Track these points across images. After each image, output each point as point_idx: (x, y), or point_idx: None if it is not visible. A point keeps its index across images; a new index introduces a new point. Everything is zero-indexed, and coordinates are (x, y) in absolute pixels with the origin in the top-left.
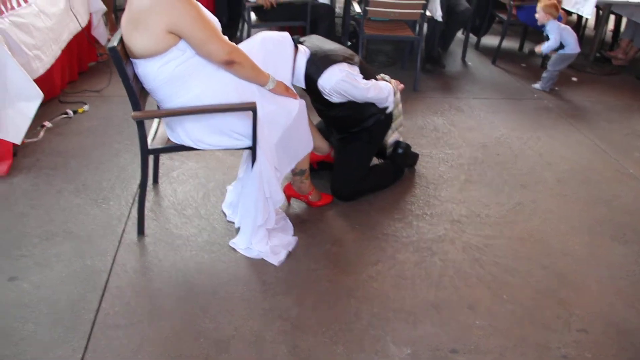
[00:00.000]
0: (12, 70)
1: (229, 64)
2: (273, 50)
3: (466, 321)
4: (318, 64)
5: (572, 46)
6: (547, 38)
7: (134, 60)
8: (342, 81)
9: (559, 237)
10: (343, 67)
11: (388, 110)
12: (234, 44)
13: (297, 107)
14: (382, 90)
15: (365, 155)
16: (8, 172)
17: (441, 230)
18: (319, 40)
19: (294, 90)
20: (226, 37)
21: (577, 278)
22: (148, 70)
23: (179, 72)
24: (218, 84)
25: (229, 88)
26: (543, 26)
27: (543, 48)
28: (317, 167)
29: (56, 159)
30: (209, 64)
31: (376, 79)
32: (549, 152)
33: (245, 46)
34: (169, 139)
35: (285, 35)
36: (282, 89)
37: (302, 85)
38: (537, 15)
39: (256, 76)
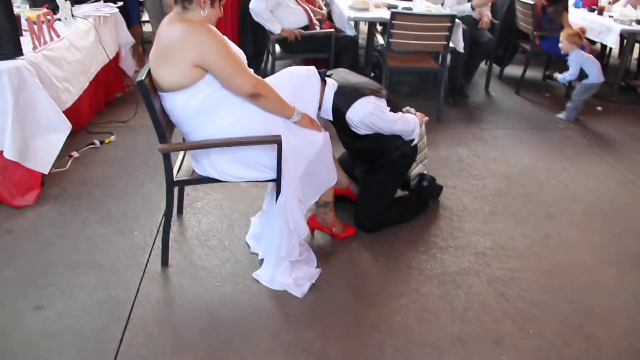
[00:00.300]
0: (43, 102)
1: (255, 97)
2: (300, 84)
3: (492, 356)
4: (346, 96)
5: (596, 75)
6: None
7: (161, 94)
8: (370, 114)
9: (586, 269)
10: (371, 99)
11: (413, 143)
12: (259, 77)
13: (321, 139)
14: (409, 123)
15: (390, 187)
16: (36, 201)
17: (465, 262)
18: (346, 73)
19: (319, 123)
20: (252, 70)
21: (606, 312)
22: (175, 104)
23: (206, 105)
24: (244, 116)
25: (255, 120)
26: (567, 55)
27: (560, 77)
28: (334, 201)
29: (82, 188)
30: (235, 97)
31: (402, 112)
32: (574, 182)
33: (273, 80)
34: (194, 170)
35: (312, 69)
36: (307, 122)
37: (330, 117)
38: (560, 45)
39: (281, 109)
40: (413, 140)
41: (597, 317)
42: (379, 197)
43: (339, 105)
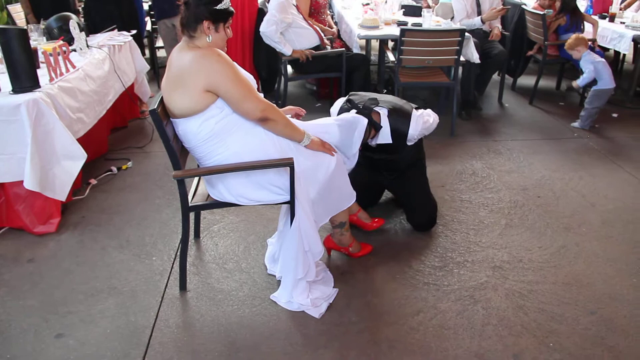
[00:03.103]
0: (59, 133)
1: (264, 121)
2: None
3: None
4: (400, 118)
5: (606, 81)
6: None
7: (174, 120)
8: (424, 124)
9: (605, 280)
10: (416, 113)
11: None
12: (268, 101)
13: (334, 162)
14: (431, 115)
15: (427, 180)
16: (56, 229)
17: (483, 277)
18: (381, 97)
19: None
20: (261, 95)
21: (627, 324)
22: (188, 129)
23: (218, 129)
24: (256, 139)
25: (267, 144)
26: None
27: (579, 82)
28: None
29: (101, 215)
30: (246, 121)
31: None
32: (592, 192)
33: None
34: (209, 194)
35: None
36: (318, 145)
37: (389, 140)
38: (573, 56)
39: (291, 133)
40: None
41: (618, 329)
42: (428, 194)
43: (397, 126)
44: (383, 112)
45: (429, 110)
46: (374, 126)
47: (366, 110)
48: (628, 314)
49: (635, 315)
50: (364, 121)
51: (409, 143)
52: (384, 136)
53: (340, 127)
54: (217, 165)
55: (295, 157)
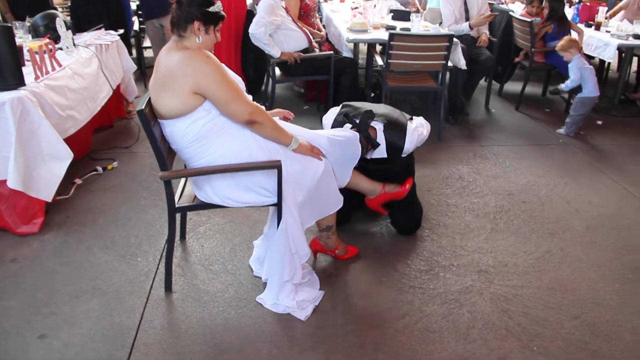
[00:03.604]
0: (45, 132)
1: (251, 124)
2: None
3: None
4: (395, 132)
5: (591, 89)
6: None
7: (161, 121)
8: (418, 136)
9: (589, 285)
10: (411, 126)
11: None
12: (257, 104)
13: (322, 166)
14: (424, 127)
15: (415, 185)
16: (40, 229)
17: (468, 281)
18: (377, 108)
19: (320, 150)
20: (250, 97)
21: (610, 328)
22: (175, 131)
23: (205, 131)
24: (244, 142)
25: (255, 146)
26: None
27: (563, 86)
28: (386, 212)
29: (86, 215)
30: (234, 124)
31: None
32: (576, 198)
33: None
34: (195, 196)
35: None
36: (306, 149)
37: (384, 155)
38: (564, 58)
39: (278, 136)
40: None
41: (601, 333)
42: (414, 198)
43: (393, 141)
44: (379, 128)
45: (421, 120)
46: (370, 143)
47: (363, 126)
48: (611, 319)
49: (618, 320)
50: (358, 151)
51: (403, 155)
52: (380, 151)
53: (331, 140)
54: (204, 166)
55: (283, 160)
